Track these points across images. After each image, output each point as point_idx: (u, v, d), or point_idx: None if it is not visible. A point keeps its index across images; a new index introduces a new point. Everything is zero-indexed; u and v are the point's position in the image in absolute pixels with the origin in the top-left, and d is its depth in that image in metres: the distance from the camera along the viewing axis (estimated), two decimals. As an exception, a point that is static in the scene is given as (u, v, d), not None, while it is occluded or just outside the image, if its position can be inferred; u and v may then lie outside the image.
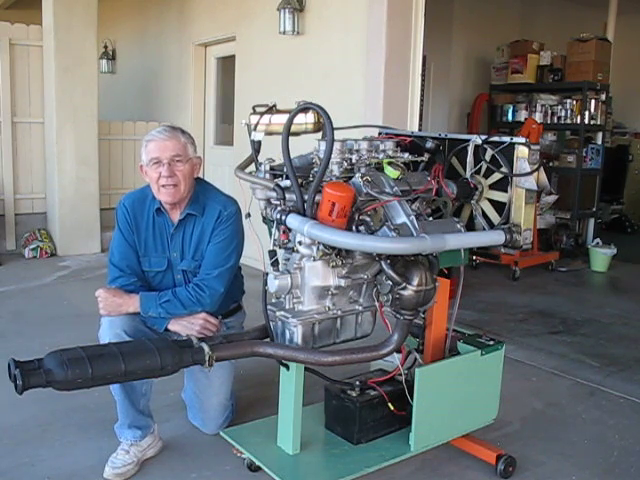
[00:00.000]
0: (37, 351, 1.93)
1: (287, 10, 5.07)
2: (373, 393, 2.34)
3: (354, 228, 1.98)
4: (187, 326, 2.43)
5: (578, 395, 3.24)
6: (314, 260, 2.02)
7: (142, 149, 2.46)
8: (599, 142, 6.91)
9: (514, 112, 7.19)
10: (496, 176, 2.30)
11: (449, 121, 7.32)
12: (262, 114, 2.21)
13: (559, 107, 6.83)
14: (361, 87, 4.65)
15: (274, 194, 2.04)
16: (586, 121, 6.58)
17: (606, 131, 7.25)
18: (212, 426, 2.64)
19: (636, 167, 8.51)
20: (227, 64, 6.56)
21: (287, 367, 2.17)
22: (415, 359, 2.40)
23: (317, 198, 1.97)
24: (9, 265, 5.72)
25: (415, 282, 1.99)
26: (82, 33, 6.05)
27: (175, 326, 2.44)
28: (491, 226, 2.31)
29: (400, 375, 2.32)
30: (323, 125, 2.12)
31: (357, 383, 2.36)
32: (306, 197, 1.97)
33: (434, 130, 6.14)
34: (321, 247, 2.00)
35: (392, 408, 2.33)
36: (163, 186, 2.41)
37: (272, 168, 2.14)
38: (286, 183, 2.05)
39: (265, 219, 2.18)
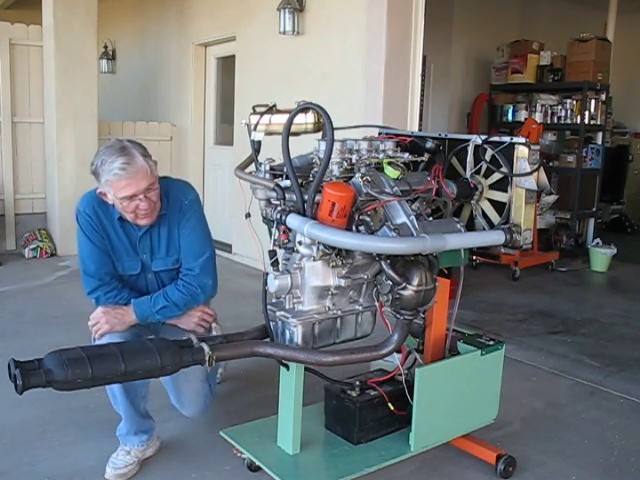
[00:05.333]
0: (37, 351, 1.93)
1: (287, 10, 5.07)
2: (373, 393, 2.34)
3: (354, 228, 1.98)
4: (186, 319, 2.45)
5: (578, 395, 3.24)
6: (314, 260, 2.02)
7: (101, 177, 2.23)
8: (599, 142, 6.91)
9: (514, 112, 7.20)
10: (496, 176, 2.30)
11: (449, 121, 7.32)
12: (262, 114, 2.21)
13: (559, 107, 6.83)
14: (361, 87, 4.65)
15: (274, 194, 2.04)
16: (586, 121, 6.58)
17: (606, 131, 7.24)
18: (191, 410, 2.62)
19: (636, 167, 8.51)
20: (227, 64, 6.57)
21: (287, 367, 2.17)
22: (415, 359, 2.40)
23: (317, 198, 1.97)
24: (9, 265, 5.72)
25: (415, 282, 2.00)
26: (82, 33, 6.05)
27: (173, 320, 2.45)
28: (491, 226, 2.32)
29: (400, 375, 2.33)
30: (323, 125, 2.12)
31: (357, 383, 2.36)
32: (306, 197, 1.97)
33: (434, 130, 6.15)
34: (321, 247, 2.00)
35: (392, 408, 2.33)
36: (141, 214, 2.31)
37: (272, 168, 2.14)
38: (286, 183, 2.05)
39: (265, 219, 2.18)
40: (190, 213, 2.43)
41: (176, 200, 2.42)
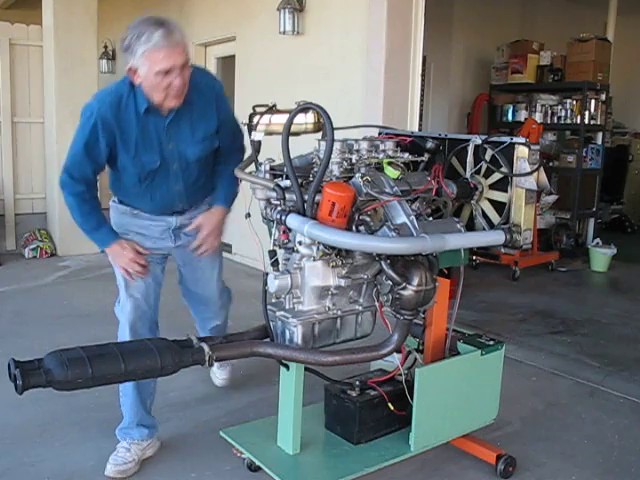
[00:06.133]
0: (37, 351, 1.93)
1: (287, 10, 5.07)
2: (373, 393, 2.35)
3: (354, 228, 1.98)
4: (118, 256, 2.40)
5: (578, 395, 3.24)
6: (314, 260, 2.02)
7: (135, 50, 2.16)
8: (599, 142, 6.90)
9: (514, 112, 7.19)
10: (496, 176, 2.30)
11: (449, 121, 7.32)
12: (262, 114, 2.21)
13: (559, 107, 6.82)
14: (361, 87, 4.64)
15: (274, 194, 2.04)
16: (586, 121, 6.57)
17: (606, 131, 7.24)
18: (220, 315, 2.88)
19: (636, 167, 8.50)
20: (227, 64, 6.56)
21: (287, 367, 2.17)
22: (415, 359, 2.40)
23: (317, 198, 1.97)
24: (9, 265, 5.72)
25: (415, 282, 2.00)
26: (82, 33, 6.04)
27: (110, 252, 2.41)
28: (491, 226, 2.32)
29: (400, 375, 2.33)
30: (323, 125, 2.12)
31: (357, 383, 2.36)
32: (306, 197, 1.97)
33: (434, 130, 6.14)
34: (321, 247, 2.00)
35: (392, 408, 2.33)
36: (171, 93, 2.21)
37: (272, 168, 2.14)
38: (286, 183, 2.05)
39: (265, 219, 2.18)
40: (223, 97, 2.45)
41: (207, 86, 2.39)
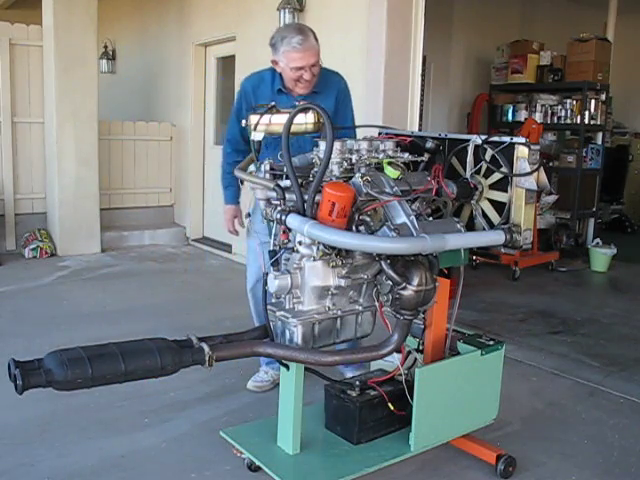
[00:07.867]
0: (37, 351, 1.93)
1: (287, 10, 5.06)
2: (373, 393, 2.34)
3: (354, 228, 1.98)
4: (224, 214, 3.10)
5: (578, 395, 3.24)
6: (314, 260, 2.02)
7: (279, 48, 2.69)
8: (599, 142, 6.91)
9: (514, 112, 7.19)
10: (496, 176, 2.30)
11: (449, 121, 7.32)
12: (262, 114, 2.22)
13: (559, 107, 6.82)
14: (361, 87, 4.64)
15: (274, 194, 2.05)
16: (586, 121, 6.58)
17: (606, 131, 7.24)
18: None
19: (636, 167, 8.50)
20: (227, 64, 6.56)
21: (287, 367, 2.17)
22: (415, 359, 2.40)
23: (317, 198, 1.97)
24: (9, 265, 5.72)
25: (415, 282, 2.00)
26: (82, 33, 6.04)
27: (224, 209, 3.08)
28: (491, 226, 2.32)
29: (400, 375, 2.33)
30: (323, 125, 2.12)
31: (357, 383, 2.36)
32: (306, 197, 1.97)
33: (434, 130, 6.14)
34: (321, 247, 2.00)
35: (392, 408, 2.33)
36: (301, 83, 2.73)
37: (272, 168, 2.14)
38: (286, 183, 2.05)
39: (265, 219, 2.18)
40: (349, 93, 2.98)
41: (333, 81, 2.92)
